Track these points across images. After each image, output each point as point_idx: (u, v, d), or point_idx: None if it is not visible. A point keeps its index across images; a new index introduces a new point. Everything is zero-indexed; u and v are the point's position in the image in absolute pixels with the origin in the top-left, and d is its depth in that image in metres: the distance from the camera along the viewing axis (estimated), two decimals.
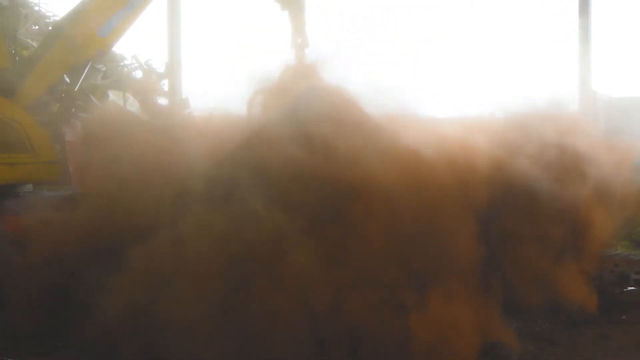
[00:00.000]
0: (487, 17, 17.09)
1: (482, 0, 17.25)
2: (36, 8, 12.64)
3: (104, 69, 11.79)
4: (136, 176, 8.65)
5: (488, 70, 15.72)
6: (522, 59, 15.89)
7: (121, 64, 12.26)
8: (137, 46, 14.58)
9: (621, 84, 13.88)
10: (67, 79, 10.67)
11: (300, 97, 9.16)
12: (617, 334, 8.34)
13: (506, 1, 17.03)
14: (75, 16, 10.67)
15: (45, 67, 10.36)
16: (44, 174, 9.96)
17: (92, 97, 11.43)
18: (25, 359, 7.62)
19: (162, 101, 12.82)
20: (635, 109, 10.65)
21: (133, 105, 12.54)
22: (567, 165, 9.02)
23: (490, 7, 17.05)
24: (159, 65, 12.46)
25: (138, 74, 12.65)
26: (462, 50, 16.74)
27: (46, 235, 8.51)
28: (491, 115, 10.64)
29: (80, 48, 10.42)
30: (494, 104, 11.32)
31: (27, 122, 10.17)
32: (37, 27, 12.48)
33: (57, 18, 12.36)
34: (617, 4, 16.23)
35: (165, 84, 13.08)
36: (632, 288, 10.31)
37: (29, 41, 12.04)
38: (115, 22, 10.58)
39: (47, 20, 13.08)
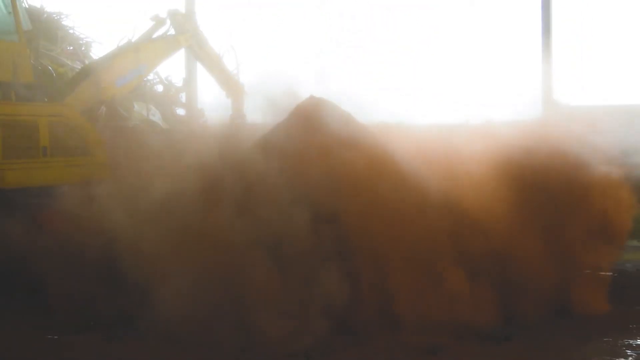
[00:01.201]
0: (454, 28, 16.59)
1: (450, 14, 16.65)
2: (71, 31, 13.02)
3: None
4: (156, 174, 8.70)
5: (459, 78, 15.31)
6: (489, 69, 15.46)
7: (145, 79, 12.59)
8: None
9: (581, 93, 13.99)
10: None
11: (299, 108, 9.05)
12: None
13: (471, 15, 16.53)
14: (102, 65, 11.34)
15: (75, 98, 10.83)
16: (97, 175, 9.98)
17: (119, 108, 12.08)
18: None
19: (180, 111, 13.40)
20: (594, 116, 10.21)
21: (155, 115, 13.08)
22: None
23: (457, 20, 16.57)
24: (178, 80, 12.99)
25: (159, 87, 13.19)
26: (437, 57, 16.30)
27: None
28: (466, 122, 10.54)
29: (102, 90, 11.00)
30: (467, 111, 11.27)
31: (87, 127, 10.63)
32: (71, 48, 12.84)
33: (89, 40, 12.92)
34: (578, 18, 16.10)
35: (183, 96, 13.59)
36: None
37: (65, 60, 12.55)
38: (129, 78, 11.32)
39: (80, 42, 13.47)
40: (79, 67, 11.87)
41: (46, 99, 10.78)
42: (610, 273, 9.38)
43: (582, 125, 9.34)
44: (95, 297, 8.09)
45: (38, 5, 12.56)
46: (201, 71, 14.17)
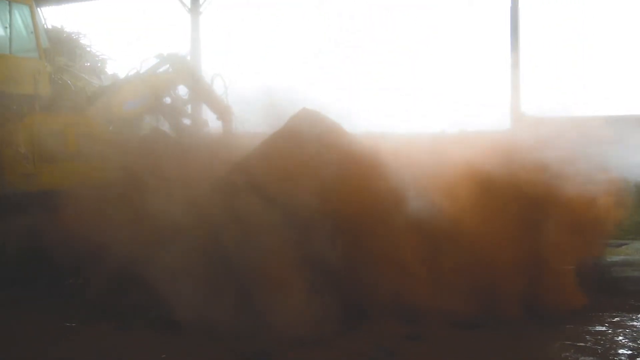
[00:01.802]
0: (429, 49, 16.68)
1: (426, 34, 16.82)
2: (88, 49, 13.20)
3: None
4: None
5: (435, 92, 15.41)
6: (462, 83, 15.62)
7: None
8: None
9: (548, 106, 14.01)
10: None
11: (292, 120, 8.93)
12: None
13: (445, 34, 16.73)
14: (113, 90, 11.69)
15: (93, 114, 11.14)
16: (114, 177, 9.81)
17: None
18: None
19: (187, 121, 13.60)
20: (559, 127, 9.82)
21: (164, 125, 13.31)
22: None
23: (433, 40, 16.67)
24: (184, 93, 13.24)
25: (167, 100, 13.48)
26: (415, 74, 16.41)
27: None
28: (443, 131, 10.63)
29: (112, 112, 11.26)
30: (443, 121, 11.39)
31: (106, 136, 10.84)
32: (88, 64, 13.02)
33: (105, 57, 13.14)
34: (545, 33, 16.12)
35: (189, 108, 13.79)
36: None
37: (83, 75, 12.74)
38: (135, 105, 11.69)
39: (97, 59, 13.64)
40: (96, 82, 12.07)
41: (66, 111, 10.95)
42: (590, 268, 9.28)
43: (548, 135, 9.40)
44: (110, 290, 8.24)
45: (59, 26, 12.75)
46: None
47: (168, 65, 12.46)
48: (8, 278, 9.18)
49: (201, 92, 12.91)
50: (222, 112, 12.91)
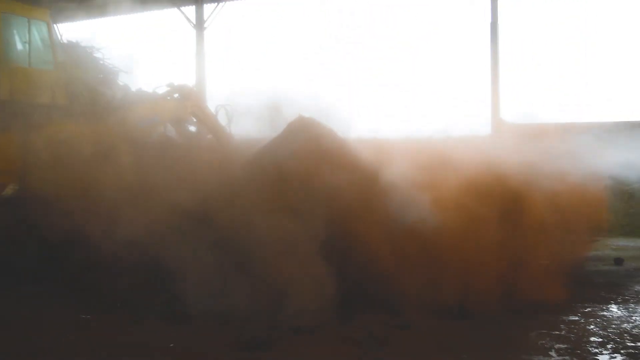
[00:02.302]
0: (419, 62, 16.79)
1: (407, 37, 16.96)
2: (101, 62, 13.19)
3: None
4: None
5: (423, 101, 15.67)
6: (449, 93, 15.83)
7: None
8: None
9: (524, 114, 14.04)
10: None
11: (289, 126, 9.17)
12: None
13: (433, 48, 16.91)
14: (130, 106, 11.92)
15: (113, 124, 11.12)
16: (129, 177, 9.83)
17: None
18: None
19: (192, 129, 13.75)
20: (537, 133, 10.50)
21: (171, 131, 13.47)
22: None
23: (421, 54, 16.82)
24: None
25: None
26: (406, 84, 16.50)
27: None
28: (430, 137, 10.61)
29: (126, 127, 11.24)
30: (431, 127, 11.34)
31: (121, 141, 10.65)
32: (102, 76, 13.03)
33: (116, 69, 13.20)
34: (522, 49, 16.25)
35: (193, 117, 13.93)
36: None
37: (97, 86, 12.77)
38: (147, 123, 11.96)
39: (109, 71, 13.66)
40: (108, 93, 12.21)
41: (81, 119, 11.07)
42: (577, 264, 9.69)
43: (525, 141, 9.53)
44: (124, 284, 8.26)
45: (74, 41, 12.83)
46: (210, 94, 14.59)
47: (177, 95, 12.86)
48: (30, 274, 9.28)
49: (206, 120, 13.33)
50: (223, 140, 13.27)
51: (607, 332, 7.30)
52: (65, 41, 12.39)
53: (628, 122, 14.04)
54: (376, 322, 7.45)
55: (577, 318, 7.86)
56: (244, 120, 12.40)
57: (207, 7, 19.85)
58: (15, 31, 10.95)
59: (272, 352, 6.55)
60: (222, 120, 13.48)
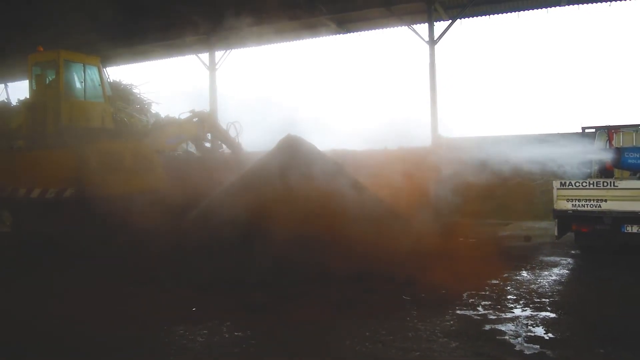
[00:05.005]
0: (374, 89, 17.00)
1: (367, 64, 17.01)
2: (138, 96, 13.09)
3: None
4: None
5: (377, 120, 15.23)
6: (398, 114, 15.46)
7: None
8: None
9: (460, 128, 14.05)
10: None
11: (280, 143, 9.16)
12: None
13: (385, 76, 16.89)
14: (159, 129, 11.92)
15: (148, 143, 11.11)
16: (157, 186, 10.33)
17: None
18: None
19: (207, 144, 13.59)
20: (468, 146, 10.35)
21: (191, 147, 13.32)
22: None
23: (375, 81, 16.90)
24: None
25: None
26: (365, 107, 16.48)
27: None
28: (385, 149, 10.66)
29: (157, 144, 11.29)
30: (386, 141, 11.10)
31: (154, 157, 10.84)
32: (138, 106, 12.94)
33: (150, 101, 13.09)
34: (455, 79, 16.30)
35: (209, 136, 13.77)
36: None
37: (135, 114, 12.68)
38: (173, 141, 12.00)
39: (144, 102, 13.51)
40: (144, 119, 12.14)
41: (123, 139, 10.94)
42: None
43: (458, 151, 9.47)
44: (157, 261, 8.08)
45: (118, 79, 12.77)
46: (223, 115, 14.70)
47: (197, 118, 12.77)
48: (85, 254, 9.00)
49: (220, 136, 13.30)
50: (234, 149, 13.32)
51: (520, 291, 7.23)
52: (111, 80, 12.32)
53: (537, 134, 13.93)
54: (348, 288, 7.22)
55: (497, 282, 7.76)
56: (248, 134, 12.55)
57: (218, 53, 19.91)
58: (74, 74, 11.04)
59: (267, 314, 6.37)
60: (232, 134, 13.43)
